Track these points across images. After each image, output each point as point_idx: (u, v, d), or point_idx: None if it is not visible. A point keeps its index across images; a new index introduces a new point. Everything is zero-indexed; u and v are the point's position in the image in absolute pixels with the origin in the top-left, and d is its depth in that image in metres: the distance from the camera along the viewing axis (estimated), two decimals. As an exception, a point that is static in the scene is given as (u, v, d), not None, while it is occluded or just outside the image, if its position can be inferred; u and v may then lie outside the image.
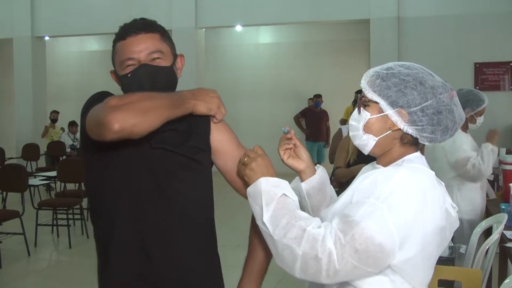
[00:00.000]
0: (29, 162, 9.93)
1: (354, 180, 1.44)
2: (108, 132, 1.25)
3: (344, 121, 7.35)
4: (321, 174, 1.57)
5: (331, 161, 4.40)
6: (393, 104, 1.35)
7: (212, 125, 1.52)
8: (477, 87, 8.22)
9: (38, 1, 10.77)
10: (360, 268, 1.20)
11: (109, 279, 1.47)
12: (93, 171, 1.49)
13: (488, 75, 8.72)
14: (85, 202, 6.13)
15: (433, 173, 1.35)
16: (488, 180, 3.80)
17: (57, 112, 10.50)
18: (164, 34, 1.52)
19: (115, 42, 1.50)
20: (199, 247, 1.49)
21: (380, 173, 1.31)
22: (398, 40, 8.88)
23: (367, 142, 1.40)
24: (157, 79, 1.44)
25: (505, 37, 8.57)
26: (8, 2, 10.79)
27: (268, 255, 1.46)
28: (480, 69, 8.73)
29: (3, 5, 10.86)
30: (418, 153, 1.40)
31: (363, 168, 1.54)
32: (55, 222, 6.44)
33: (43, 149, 10.08)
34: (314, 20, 9.72)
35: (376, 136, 1.38)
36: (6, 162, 8.99)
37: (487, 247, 2.68)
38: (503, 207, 3.30)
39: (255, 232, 1.48)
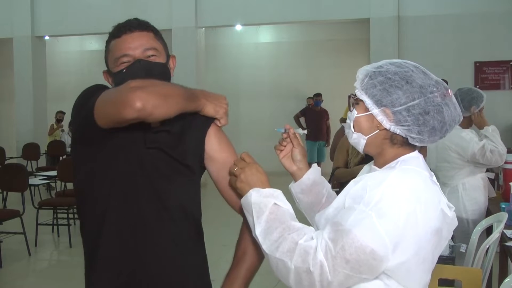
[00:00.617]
0: (29, 161, 9.94)
1: (348, 184, 1.42)
2: (129, 110, 1.23)
3: (344, 120, 7.35)
4: (311, 176, 1.57)
5: (332, 159, 4.41)
6: (378, 103, 1.32)
7: (210, 131, 1.51)
8: (477, 86, 8.22)
9: (38, 1, 10.77)
10: (354, 276, 1.19)
11: (97, 276, 1.46)
12: (84, 167, 1.48)
13: (488, 74, 8.73)
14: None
15: (428, 174, 1.32)
16: (488, 178, 3.80)
17: (63, 113, 10.49)
18: (157, 34, 1.53)
19: (108, 41, 1.50)
20: (187, 246, 1.49)
21: (370, 178, 1.28)
22: (398, 39, 8.88)
23: (358, 141, 1.39)
24: (152, 74, 1.43)
25: (505, 36, 8.57)
26: (8, 2, 10.79)
27: (259, 259, 1.47)
28: (480, 68, 8.73)
29: (3, 5, 10.86)
30: (414, 153, 1.36)
31: (362, 169, 1.53)
32: (55, 221, 6.44)
33: (43, 148, 10.10)
34: (314, 19, 9.72)
35: (365, 135, 1.37)
36: (6, 162, 8.99)
37: (488, 246, 2.68)
38: (503, 206, 3.29)
39: (244, 238, 1.48)
